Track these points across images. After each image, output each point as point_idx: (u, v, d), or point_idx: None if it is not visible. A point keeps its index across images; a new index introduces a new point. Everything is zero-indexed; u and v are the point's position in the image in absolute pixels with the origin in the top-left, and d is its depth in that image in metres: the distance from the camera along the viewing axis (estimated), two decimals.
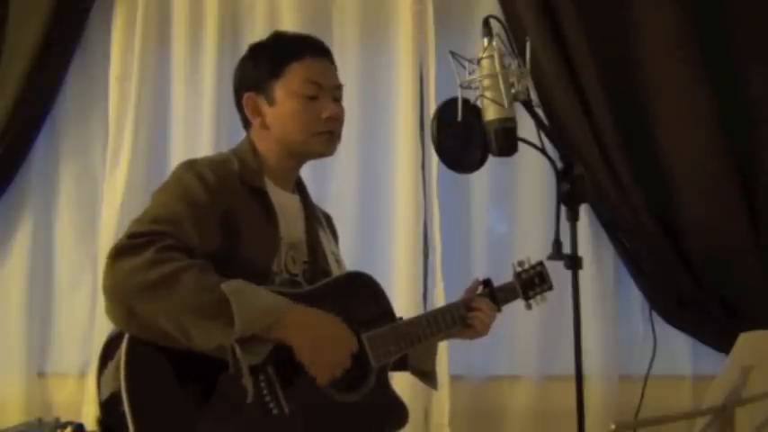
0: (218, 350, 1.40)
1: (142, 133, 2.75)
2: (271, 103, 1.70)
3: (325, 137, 1.71)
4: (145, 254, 1.41)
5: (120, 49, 2.77)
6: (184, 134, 2.76)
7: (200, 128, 2.73)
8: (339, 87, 1.76)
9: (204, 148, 2.66)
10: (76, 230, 2.80)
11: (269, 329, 1.45)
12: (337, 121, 1.73)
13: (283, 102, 1.69)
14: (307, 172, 1.85)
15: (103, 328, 2.57)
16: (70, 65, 2.80)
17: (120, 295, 1.41)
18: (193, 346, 1.41)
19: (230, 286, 1.43)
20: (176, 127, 2.78)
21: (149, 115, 2.77)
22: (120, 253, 1.43)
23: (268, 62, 1.71)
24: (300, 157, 1.76)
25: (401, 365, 1.86)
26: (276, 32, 1.81)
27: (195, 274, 1.42)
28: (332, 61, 1.77)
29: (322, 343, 1.53)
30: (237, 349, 1.39)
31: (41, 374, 2.77)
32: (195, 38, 2.78)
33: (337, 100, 1.74)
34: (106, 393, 1.45)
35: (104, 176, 2.75)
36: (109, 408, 1.45)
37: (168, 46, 2.80)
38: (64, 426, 2.32)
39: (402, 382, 1.91)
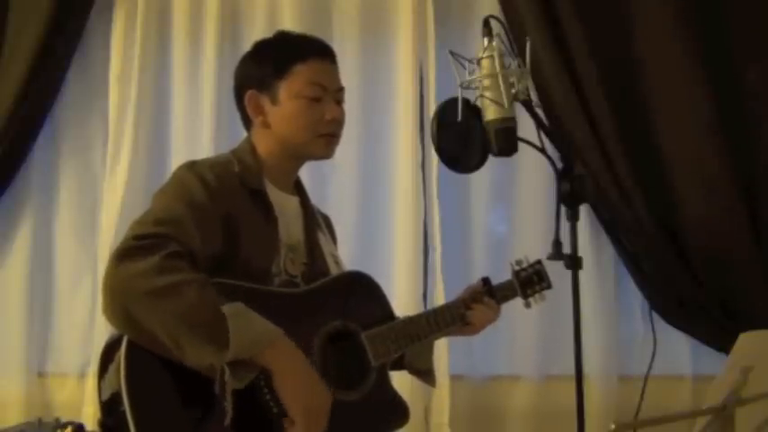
0: (209, 369, 1.39)
1: (142, 133, 2.75)
2: (274, 102, 1.70)
3: (326, 140, 1.72)
4: (151, 259, 1.41)
5: (120, 49, 2.76)
6: (184, 134, 2.76)
7: (200, 128, 2.73)
8: (341, 90, 1.76)
9: (204, 148, 2.66)
10: (76, 230, 2.80)
11: (258, 355, 1.43)
12: (339, 123, 1.73)
13: (287, 102, 1.69)
14: (306, 172, 1.85)
15: (103, 328, 2.59)
16: (70, 65, 2.80)
17: (121, 297, 1.41)
18: (183, 360, 1.40)
19: (230, 309, 1.42)
20: (176, 127, 2.77)
21: (149, 115, 2.77)
22: (125, 255, 1.43)
23: (273, 62, 1.71)
24: (300, 158, 1.76)
25: (398, 365, 1.86)
26: (281, 32, 1.81)
27: (198, 290, 1.41)
28: (335, 63, 1.77)
29: (302, 378, 1.48)
30: (227, 373, 1.38)
31: (41, 374, 2.76)
32: (195, 38, 2.77)
33: (339, 102, 1.75)
34: (107, 394, 1.45)
35: (104, 176, 2.75)
36: (109, 408, 1.45)
37: (168, 46, 2.80)
38: (64, 426, 2.32)
39: (402, 382, 1.90)
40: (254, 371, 1.44)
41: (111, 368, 1.45)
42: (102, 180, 2.76)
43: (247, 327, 1.42)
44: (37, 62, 2.70)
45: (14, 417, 2.62)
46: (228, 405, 1.39)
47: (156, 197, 1.59)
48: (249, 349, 1.41)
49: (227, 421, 1.40)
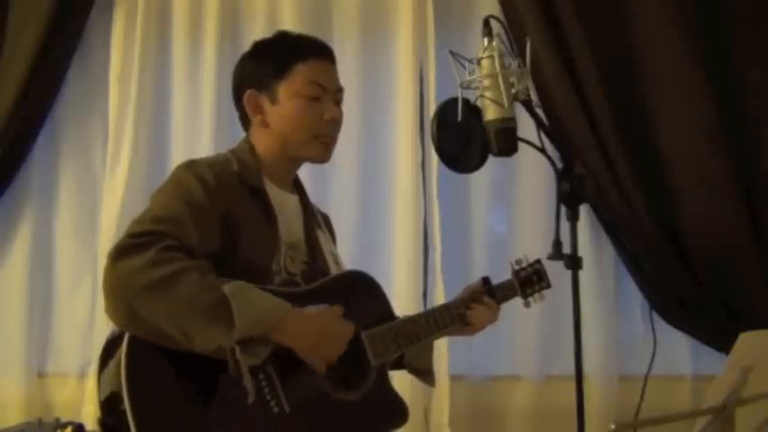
0: (218, 352, 1.40)
1: (142, 133, 2.75)
2: (273, 101, 1.70)
3: (323, 142, 1.72)
4: (147, 253, 1.41)
5: (120, 49, 2.76)
6: (184, 134, 2.76)
7: (200, 128, 2.73)
8: (341, 90, 1.76)
9: (204, 148, 2.66)
10: (76, 230, 2.80)
11: (269, 332, 1.45)
12: (337, 124, 1.74)
13: (286, 102, 1.69)
14: (307, 172, 1.85)
15: (103, 327, 2.59)
16: (70, 65, 2.80)
17: (121, 294, 1.41)
18: (193, 348, 1.40)
19: (232, 288, 1.43)
20: (176, 127, 2.77)
21: (149, 115, 2.77)
22: (121, 252, 1.43)
23: (273, 61, 1.71)
24: (296, 160, 1.77)
25: (398, 364, 1.86)
26: (281, 32, 1.81)
27: (197, 275, 1.42)
28: (335, 64, 1.78)
29: (320, 341, 1.54)
30: (237, 351, 1.39)
31: (41, 374, 2.76)
32: (195, 38, 2.77)
33: (338, 103, 1.75)
34: (106, 392, 1.46)
35: (104, 176, 2.75)
36: (108, 407, 1.45)
37: (168, 46, 2.80)
38: (64, 426, 2.32)
39: (402, 382, 1.91)
40: (269, 345, 1.45)
41: (112, 364, 1.45)
42: (102, 180, 2.76)
43: (251, 303, 1.43)
44: (37, 62, 2.70)
45: (14, 417, 2.62)
46: (248, 382, 1.41)
47: (155, 196, 1.59)
48: (256, 326, 1.42)
49: (250, 400, 1.41)
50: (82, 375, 2.71)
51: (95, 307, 2.70)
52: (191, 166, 1.62)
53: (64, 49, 2.77)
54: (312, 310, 1.56)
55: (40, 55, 2.70)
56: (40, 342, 2.77)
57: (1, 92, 2.72)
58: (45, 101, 2.79)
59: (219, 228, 1.55)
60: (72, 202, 2.81)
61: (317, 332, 1.54)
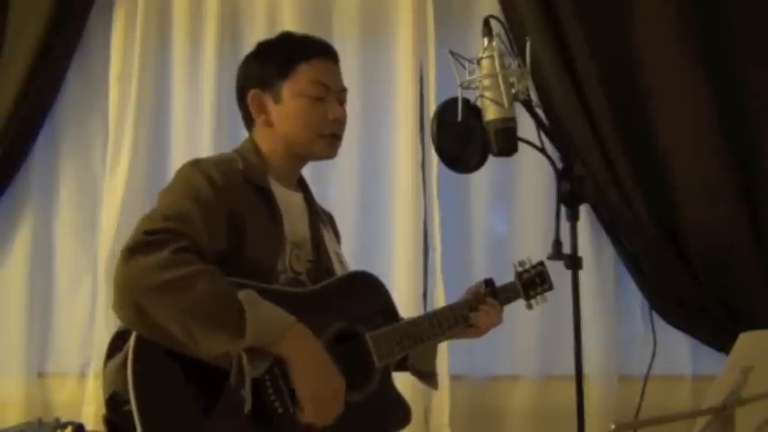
0: (223, 358, 1.39)
1: (142, 133, 2.75)
2: (277, 101, 1.70)
3: (328, 140, 1.72)
4: (162, 252, 1.41)
5: (120, 49, 2.77)
6: (184, 134, 2.76)
7: (200, 128, 2.73)
8: (344, 90, 1.77)
9: (204, 148, 2.66)
10: (76, 230, 2.80)
11: (273, 343, 1.44)
12: (342, 123, 1.74)
13: (290, 101, 1.69)
14: (307, 172, 1.85)
15: (103, 327, 2.60)
16: (70, 65, 2.80)
17: (132, 291, 1.41)
18: (197, 351, 1.40)
19: (245, 296, 1.42)
20: (176, 127, 2.77)
21: (149, 115, 2.77)
22: (135, 250, 1.42)
23: (276, 61, 1.71)
24: (302, 158, 1.77)
25: (401, 366, 1.86)
26: (285, 32, 1.82)
27: (210, 280, 1.42)
28: (338, 64, 1.78)
29: (317, 367, 1.49)
30: (245, 359, 1.38)
31: (41, 374, 2.76)
32: (195, 38, 2.78)
33: (342, 103, 1.75)
34: (108, 391, 1.46)
35: (104, 176, 2.75)
36: (112, 406, 1.45)
37: (168, 46, 2.80)
38: (64, 426, 2.32)
39: (402, 383, 1.90)
40: (269, 359, 1.44)
41: (112, 362, 1.45)
42: (102, 180, 2.76)
43: (261, 314, 1.42)
44: (37, 62, 2.70)
45: (14, 417, 2.62)
46: (247, 393, 1.39)
47: (162, 195, 1.59)
48: (264, 336, 1.42)
49: (247, 409, 1.40)
50: (82, 375, 2.71)
51: (95, 307, 2.70)
52: (197, 164, 1.62)
53: (64, 49, 2.77)
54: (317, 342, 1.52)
55: (40, 55, 2.70)
56: (40, 342, 2.77)
57: (1, 92, 2.72)
58: (45, 101, 2.79)
59: (226, 226, 1.54)
60: (72, 202, 2.82)
61: (316, 356, 1.50)
